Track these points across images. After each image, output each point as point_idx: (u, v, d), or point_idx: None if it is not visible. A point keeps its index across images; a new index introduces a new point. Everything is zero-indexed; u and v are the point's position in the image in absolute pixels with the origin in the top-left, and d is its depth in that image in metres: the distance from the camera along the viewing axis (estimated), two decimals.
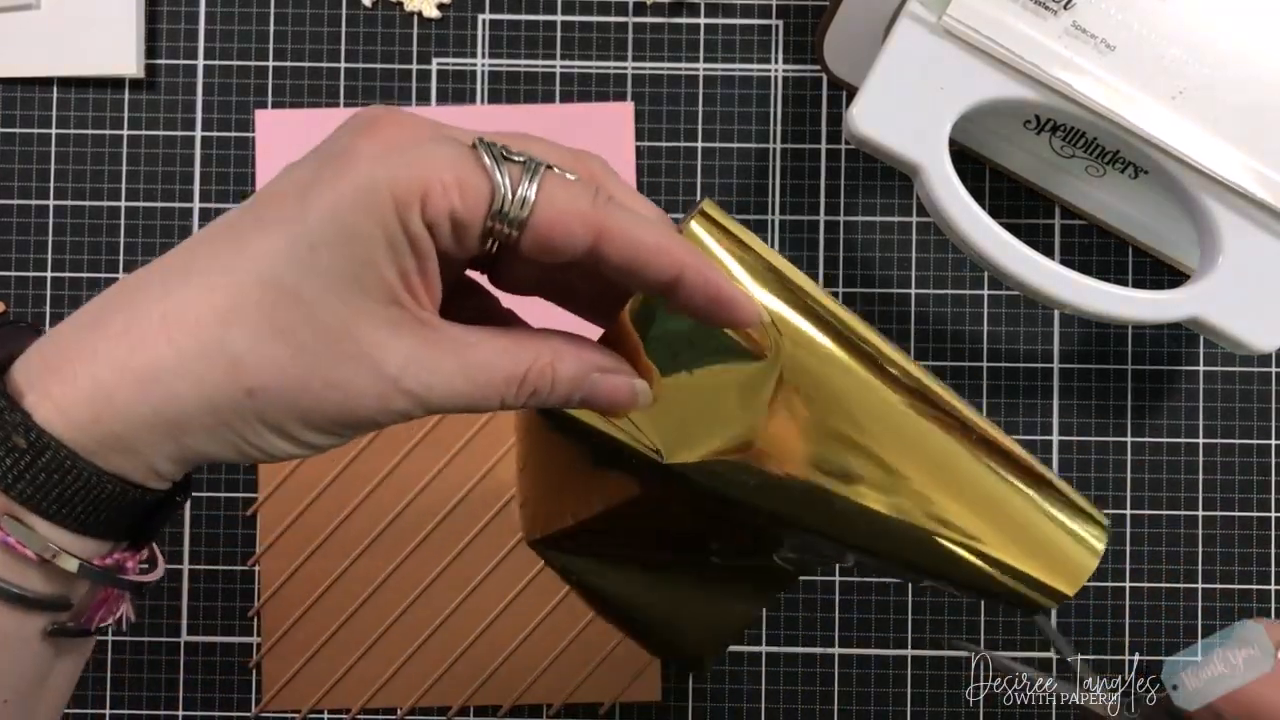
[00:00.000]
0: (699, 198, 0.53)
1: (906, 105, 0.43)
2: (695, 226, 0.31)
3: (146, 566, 0.31)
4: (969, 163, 0.52)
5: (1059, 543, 0.35)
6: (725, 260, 0.31)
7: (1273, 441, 0.53)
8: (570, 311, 0.34)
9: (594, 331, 0.34)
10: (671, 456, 0.33)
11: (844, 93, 0.53)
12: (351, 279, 0.27)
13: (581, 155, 0.31)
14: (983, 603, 0.40)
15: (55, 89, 0.53)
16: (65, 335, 0.28)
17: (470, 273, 0.32)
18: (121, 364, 0.27)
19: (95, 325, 0.27)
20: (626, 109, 0.53)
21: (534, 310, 0.34)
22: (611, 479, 0.35)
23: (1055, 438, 0.53)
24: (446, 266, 0.28)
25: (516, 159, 0.27)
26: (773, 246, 0.53)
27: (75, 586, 0.29)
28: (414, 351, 0.28)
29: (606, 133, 0.53)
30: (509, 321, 0.34)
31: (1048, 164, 0.50)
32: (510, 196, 0.27)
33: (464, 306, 0.31)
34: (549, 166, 0.28)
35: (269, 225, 0.27)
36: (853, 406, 0.33)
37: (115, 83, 0.53)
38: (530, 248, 0.28)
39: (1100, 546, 0.35)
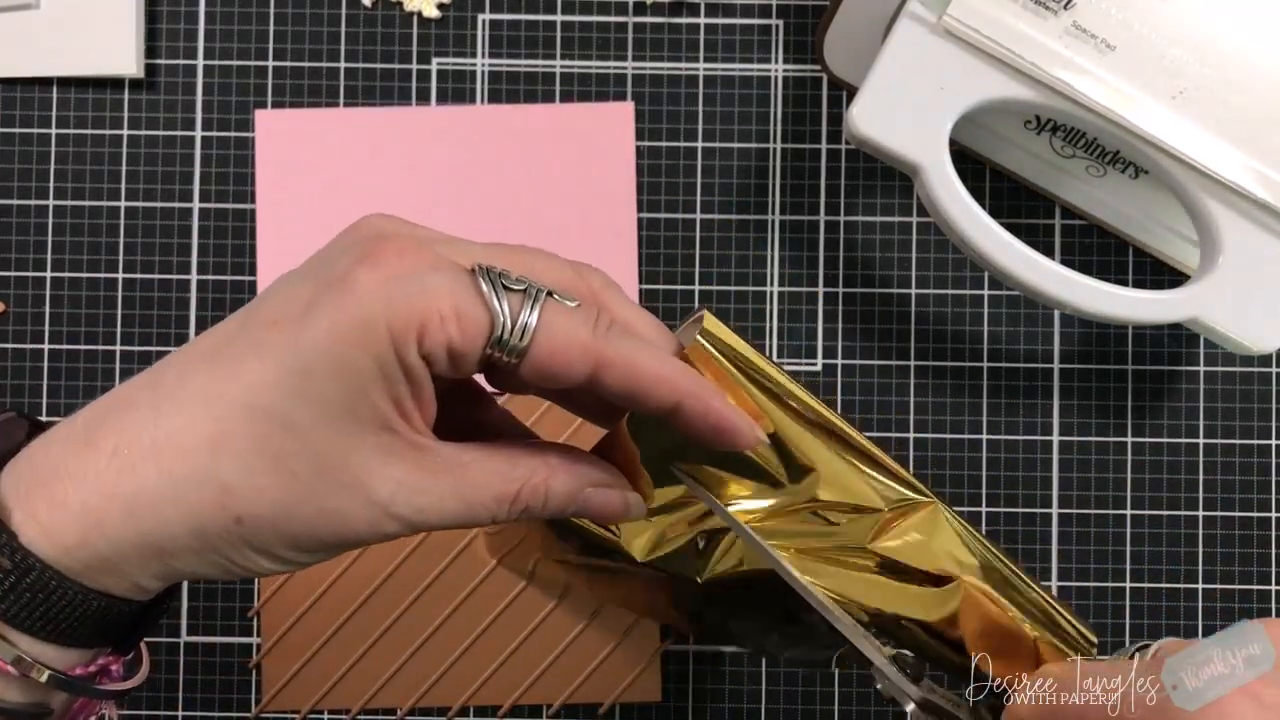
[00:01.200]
0: (698, 200, 0.53)
1: (906, 105, 0.43)
2: (698, 344, 0.31)
3: (133, 664, 0.31)
4: (969, 163, 0.52)
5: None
6: (729, 370, 0.31)
7: (1273, 441, 0.53)
8: (569, 412, 0.34)
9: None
10: (647, 555, 0.33)
11: (844, 93, 0.53)
12: (344, 409, 0.27)
13: (583, 270, 0.30)
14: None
15: (55, 89, 0.53)
16: (55, 448, 0.28)
17: None
18: (110, 489, 0.27)
19: (86, 442, 0.27)
20: (626, 109, 0.53)
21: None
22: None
23: (1055, 438, 0.53)
24: (441, 381, 0.28)
25: (516, 287, 0.27)
26: (773, 246, 0.53)
27: (53, 695, 0.29)
28: (406, 477, 0.28)
29: (606, 133, 0.53)
30: (504, 427, 0.34)
31: (1048, 164, 0.50)
32: (510, 326, 0.27)
33: (457, 412, 0.31)
34: (549, 294, 0.28)
35: (264, 350, 0.27)
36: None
37: (115, 83, 0.53)
38: (529, 375, 0.28)
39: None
